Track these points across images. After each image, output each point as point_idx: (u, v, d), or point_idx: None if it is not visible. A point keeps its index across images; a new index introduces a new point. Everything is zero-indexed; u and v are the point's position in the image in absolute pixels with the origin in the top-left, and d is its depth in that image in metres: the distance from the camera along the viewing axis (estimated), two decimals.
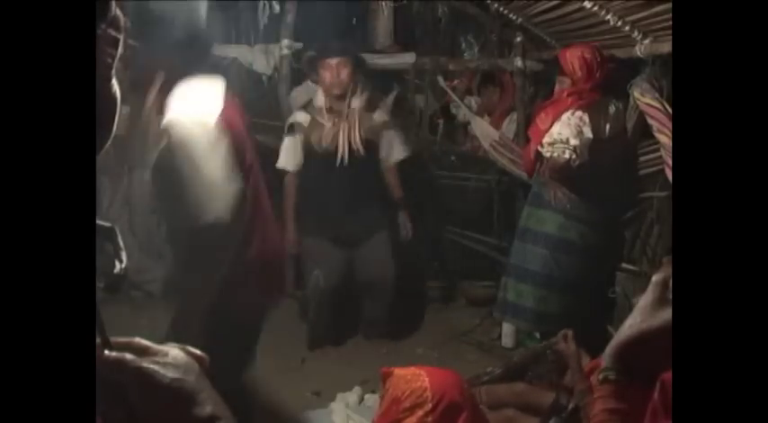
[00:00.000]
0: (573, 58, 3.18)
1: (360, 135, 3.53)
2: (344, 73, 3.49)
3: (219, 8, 4.50)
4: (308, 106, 3.67)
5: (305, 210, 3.67)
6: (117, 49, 0.64)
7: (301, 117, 3.64)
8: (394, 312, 3.80)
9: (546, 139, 3.17)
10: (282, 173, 3.68)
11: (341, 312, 3.77)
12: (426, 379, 1.63)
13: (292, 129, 3.66)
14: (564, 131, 3.11)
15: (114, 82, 0.66)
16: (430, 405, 1.57)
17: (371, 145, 3.61)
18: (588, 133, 3.11)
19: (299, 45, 4.11)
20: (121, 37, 0.65)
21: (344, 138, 3.52)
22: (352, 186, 3.54)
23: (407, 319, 3.97)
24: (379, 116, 3.67)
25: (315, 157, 3.59)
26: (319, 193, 3.61)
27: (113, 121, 0.67)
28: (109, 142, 0.67)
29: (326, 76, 3.51)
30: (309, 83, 4.09)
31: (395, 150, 3.69)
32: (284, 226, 3.60)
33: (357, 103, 3.59)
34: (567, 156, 3.09)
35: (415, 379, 1.64)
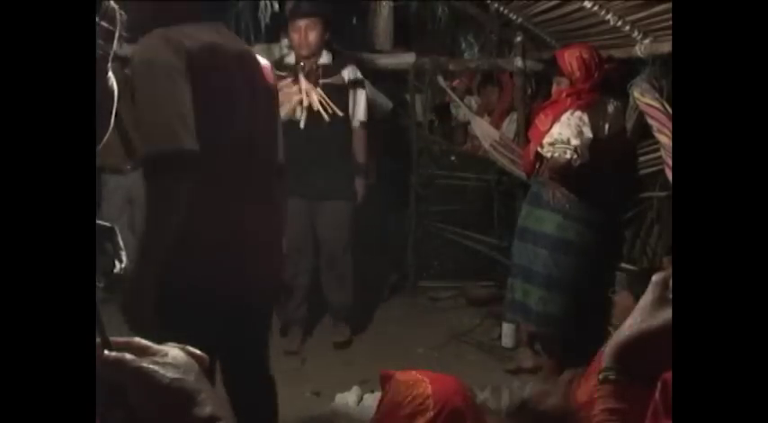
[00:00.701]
0: (571, 58, 3.17)
1: (321, 94, 3.48)
2: (312, 35, 3.47)
3: (219, 8, 4.52)
4: (279, 64, 3.60)
5: None
6: (113, 42, 0.64)
7: None
8: (352, 289, 3.77)
9: (546, 140, 3.16)
10: None
11: (307, 284, 3.70)
12: (429, 386, 1.62)
13: None
14: (564, 132, 3.10)
15: (111, 75, 0.66)
16: (432, 413, 1.56)
17: (338, 105, 3.53)
18: (588, 133, 3.11)
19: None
20: (117, 30, 0.64)
21: (305, 97, 3.48)
22: (315, 147, 3.47)
23: (367, 300, 3.96)
24: (349, 74, 3.61)
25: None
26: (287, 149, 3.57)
27: (111, 115, 0.67)
28: (107, 135, 0.67)
29: (295, 37, 3.51)
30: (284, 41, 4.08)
31: (359, 111, 3.63)
32: None
33: (324, 60, 3.56)
34: (568, 156, 3.09)
35: (417, 385, 1.63)
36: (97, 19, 0.61)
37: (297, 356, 3.59)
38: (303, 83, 3.50)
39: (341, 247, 3.69)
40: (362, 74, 3.78)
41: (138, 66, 1.70)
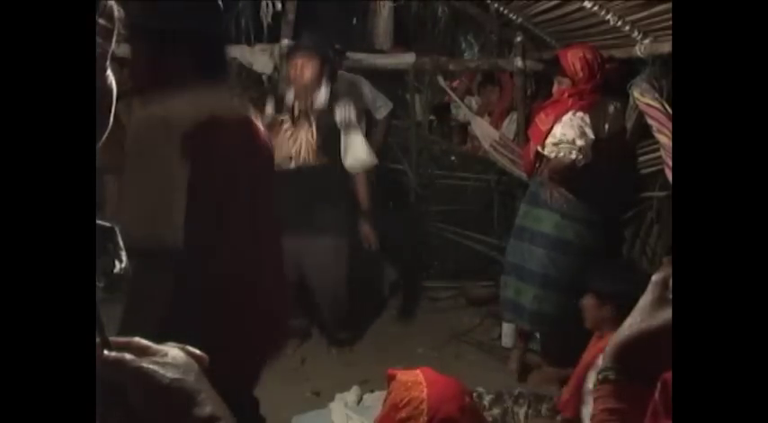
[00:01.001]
0: (574, 58, 3.16)
1: (312, 139, 3.39)
2: (307, 72, 3.37)
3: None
4: (280, 103, 3.57)
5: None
6: (111, 40, 0.64)
7: (269, 111, 3.53)
8: (341, 321, 3.71)
9: (550, 140, 3.16)
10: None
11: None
12: (425, 390, 1.63)
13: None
14: (568, 132, 3.10)
15: (110, 73, 0.65)
16: (425, 418, 1.56)
17: (331, 148, 3.43)
18: (591, 134, 3.11)
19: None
20: (115, 28, 0.64)
21: (299, 141, 3.39)
22: (306, 190, 3.37)
23: (352, 326, 3.86)
24: (341, 115, 3.46)
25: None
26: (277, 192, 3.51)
27: (110, 113, 0.67)
28: (106, 134, 0.67)
29: (292, 73, 3.44)
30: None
31: (358, 152, 3.48)
32: None
33: (320, 100, 3.44)
34: (573, 156, 3.09)
35: (414, 387, 1.64)
36: (95, 17, 0.61)
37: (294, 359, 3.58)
38: (297, 129, 3.41)
39: (334, 289, 3.60)
40: (363, 74, 3.74)
41: (132, 145, 1.59)
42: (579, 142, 3.08)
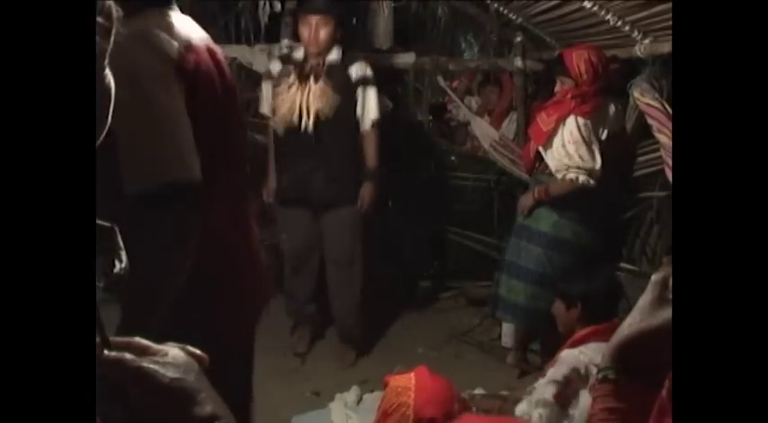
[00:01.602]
0: (579, 60, 3.13)
1: (329, 94, 3.32)
2: (323, 32, 3.31)
3: (220, 8, 4.53)
4: (287, 59, 3.51)
5: (278, 165, 3.50)
6: (109, 38, 0.64)
7: (276, 67, 3.48)
8: (362, 304, 3.61)
9: (565, 161, 3.11)
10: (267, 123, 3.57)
11: (313, 287, 3.61)
12: (412, 395, 1.65)
13: (269, 75, 3.51)
14: (582, 153, 3.06)
15: (108, 72, 0.65)
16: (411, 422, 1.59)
17: (346, 105, 3.37)
18: (597, 145, 3.11)
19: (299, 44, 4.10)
20: (113, 27, 0.64)
21: (310, 97, 3.33)
22: (319, 150, 3.35)
23: (377, 316, 3.84)
24: (357, 71, 3.41)
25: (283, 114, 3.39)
26: (290, 150, 3.42)
27: (108, 112, 0.67)
28: (104, 133, 0.67)
29: (304, 33, 3.35)
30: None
31: (369, 111, 3.42)
32: (266, 175, 3.51)
33: (333, 57, 3.39)
34: (592, 184, 3.08)
35: (403, 393, 1.66)
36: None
37: (303, 358, 3.55)
38: (305, 83, 3.36)
39: (347, 261, 3.53)
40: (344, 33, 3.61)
41: (119, 75, 1.39)
42: (597, 167, 3.07)
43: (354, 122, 3.43)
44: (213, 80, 1.53)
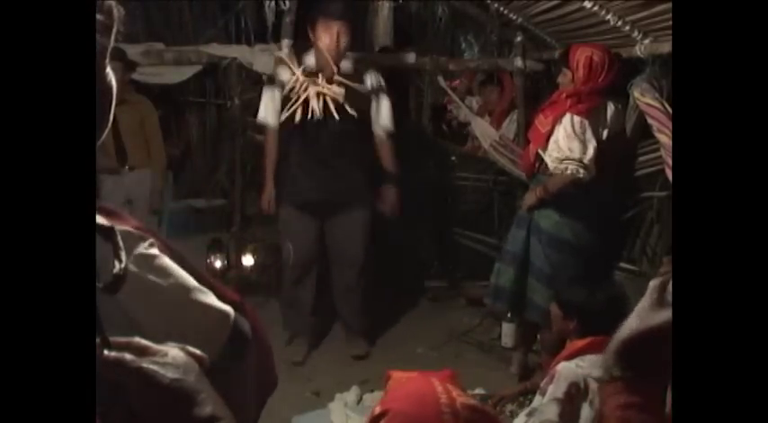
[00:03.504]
0: (581, 56, 3.13)
1: (343, 97, 3.29)
2: (344, 39, 3.26)
3: (220, 8, 4.53)
4: (297, 64, 3.46)
5: (281, 171, 3.45)
6: (110, 37, 0.64)
7: (285, 73, 3.42)
8: (368, 304, 3.61)
9: (555, 154, 3.12)
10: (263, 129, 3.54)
11: (314, 296, 3.59)
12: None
13: (272, 81, 3.46)
14: (574, 147, 3.07)
15: (109, 70, 0.65)
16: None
17: (359, 110, 3.35)
18: (592, 141, 3.10)
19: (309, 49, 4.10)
20: (114, 25, 0.64)
21: (325, 99, 3.29)
22: (330, 151, 3.34)
23: (382, 314, 3.85)
24: (372, 80, 3.42)
25: (293, 116, 3.35)
26: (296, 155, 3.41)
27: (110, 111, 0.67)
28: (106, 132, 0.66)
29: (325, 39, 3.26)
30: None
31: (384, 119, 3.42)
32: (264, 186, 3.46)
33: (346, 65, 3.37)
34: (580, 175, 3.08)
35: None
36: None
37: (301, 366, 3.53)
38: (320, 90, 3.31)
39: (355, 268, 3.52)
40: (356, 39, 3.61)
41: None
42: (586, 160, 3.07)
43: (366, 129, 3.41)
44: None
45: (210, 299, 0.80)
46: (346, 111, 3.30)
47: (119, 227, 0.70)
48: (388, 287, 4.03)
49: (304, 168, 3.40)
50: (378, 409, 1.19)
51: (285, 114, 3.36)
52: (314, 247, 3.49)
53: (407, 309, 4.19)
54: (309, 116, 3.29)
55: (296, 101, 3.31)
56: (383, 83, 3.45)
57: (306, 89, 3.31)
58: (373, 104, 3.42)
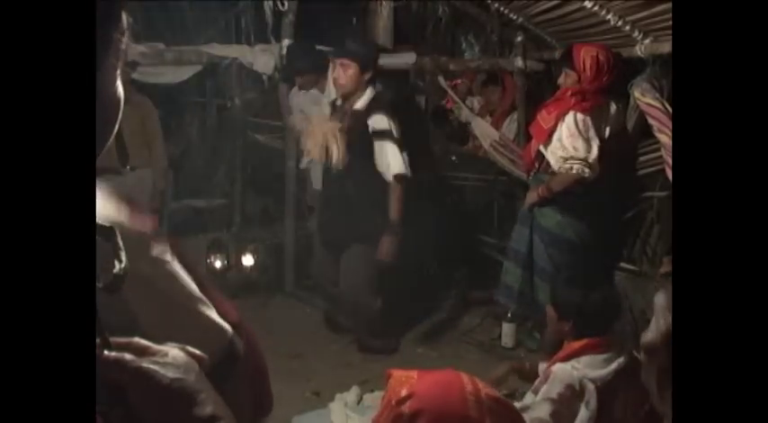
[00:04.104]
0: (586, 55, 3.15)
1: (345, 141, 3.35)
2: (344, 76, 3.34)
3: (220, 8, 4.53)
4: (320, 103, 3.57)
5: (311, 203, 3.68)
6: (120, 50, 0.64)
7: (301, 119, 3.60)
8: (374, 331, 3.68)
9: (560, 153, 3.12)
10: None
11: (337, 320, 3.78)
12: (415, 386, 1.61)
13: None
14: (579, 146, 3.07)
15: (119, 83, 0.65)
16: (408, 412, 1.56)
17: (362, 153, 3.38)
18: (595, 140, 3.10)
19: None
20: (124, 39, 0.64)
21: (332, 142, 3.35)
22: (338, 191, 3.47)
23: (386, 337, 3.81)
24: (374, 123, 3.37)
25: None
26: (318, 194, 3.64)
27: (116, 122, 0.67)
28: (110, 141, 0.67)
29: (331, 74, 3.44)
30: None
31: (391, 164, 3.38)
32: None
33: (361, 103, 3.41)
34: (585, 175, 3.08)
35: (407, 381, 1.62)
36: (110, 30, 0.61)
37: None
38: (332, 124, 3.39)
39: (363, 298, 3.55)
40: (375, 76, 3.62)
41: None
42: (591, 159, 3.07)
43: (373, 172, 3.40)
44: None
45: (212, 313, 0.81)
46: (349, 154, 3.36)
47: (136, 228, 0.70)
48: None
49: (321, 207, 3.65)
50: (404, 392, 1.20)
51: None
52: (330, 278, 3.63)
53: (426, 314, 4.16)
54: (322, 155, 3.40)
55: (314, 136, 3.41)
56: (388, 127, 3.38)
57: (321, 128, 3.40)
58: (376, 148, 3.38)
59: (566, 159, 3.11)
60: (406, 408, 1.16)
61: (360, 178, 3.41)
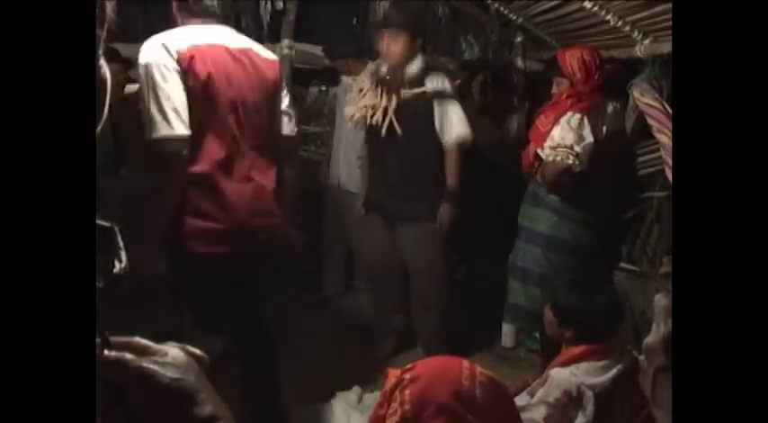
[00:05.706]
0: (572, 59, 3.16)
1: (396, 105, 3.20)
2: (394, 45, 3.21)
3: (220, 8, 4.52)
4: (376, 72, 3.37)
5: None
6: (103, 26, 0.63)
7: (367, 84, 3.37)
8: (444, 316, 3.51)
9: (548, 143, 3.14)
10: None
11: (395, 299, 3.61)
12: (413, 372, 1.60)
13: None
14: (567, 137, 3.08)
15: (103, 62, 0.65)
16: (414, 405, 1.55)
17: (421, 119, 3.25)
18: (589, 137, 3.10)
19: (302, 45, 4.10)
20: (106, 15, 0.64)
21: (384, 108, 3.22)
22: (396, 161, 3.31)
23: (464, 327, 3.73)
24: (434, 84, 3.26)
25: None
26: (373, 163, 3.46)
27: (105, 103, 0.66)
28: (101, 125, 0.66)
29: (380, 46, 3.29)
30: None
31: (451, 127, 3.25)
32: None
33: (413, 69, 3.26)
34: (569, 161, 3.08)
35: (404, 372, 1.62)
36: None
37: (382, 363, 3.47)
38: (380, 95, 3.26)
39: (431, 281, 3.44)
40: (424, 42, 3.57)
41: (140, 68, 2.17)
42: (577, 148, 3.06)
43: (432, 138, 3.28)
44: (206, 67, 2.20)
45: None
46: (405, 122, 3.22)
47: None
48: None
49: (369, 176, 3.53)
50: (408, 367, 1.37)
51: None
52: (386, 250, 3.48)
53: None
54: (372, 125, 3.29)
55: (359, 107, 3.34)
56: (448, 87, 3.29)
57: (369, 98, 3.30)
58: (436, 111, 3.27)
59: (552, 148, 3.11)
60: (407, 375, 1.33)
61: (417, 146, 3.28)
